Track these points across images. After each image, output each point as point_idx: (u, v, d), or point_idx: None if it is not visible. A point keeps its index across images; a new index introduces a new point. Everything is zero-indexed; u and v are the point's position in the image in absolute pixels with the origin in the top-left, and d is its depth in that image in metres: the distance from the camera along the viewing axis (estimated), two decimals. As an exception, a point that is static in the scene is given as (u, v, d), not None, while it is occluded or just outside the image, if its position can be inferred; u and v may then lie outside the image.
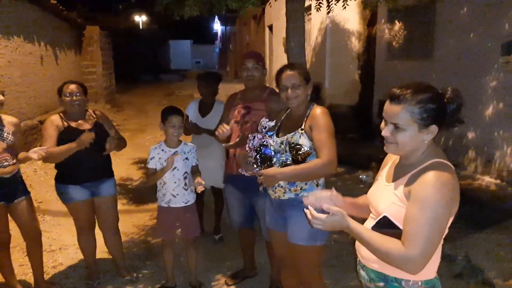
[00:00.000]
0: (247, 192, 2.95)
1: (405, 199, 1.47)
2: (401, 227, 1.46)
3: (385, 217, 1.52)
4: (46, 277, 3.33)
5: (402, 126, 1.46)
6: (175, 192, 2.98)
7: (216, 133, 2.70)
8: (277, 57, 11.81)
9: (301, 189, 2.31)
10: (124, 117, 12.30)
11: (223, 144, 2.80)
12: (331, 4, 5.30)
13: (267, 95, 2.93)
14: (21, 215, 2.98)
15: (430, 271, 1.52)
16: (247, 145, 2.41)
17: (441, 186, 1.38)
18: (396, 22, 7.01)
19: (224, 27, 26.12)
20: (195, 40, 38.31)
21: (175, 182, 2.96)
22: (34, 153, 2.75)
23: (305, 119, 2.29)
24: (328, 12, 5.42)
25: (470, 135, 5.45)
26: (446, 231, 1.49)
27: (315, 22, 9.04)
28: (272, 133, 2.38)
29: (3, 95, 2.85)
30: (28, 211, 3.01)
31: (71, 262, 3.64)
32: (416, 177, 1.45)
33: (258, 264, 3.45)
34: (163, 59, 31.78)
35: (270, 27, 13.15)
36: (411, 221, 1.40)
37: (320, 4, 5.58)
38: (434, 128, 1.47)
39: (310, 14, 9.05)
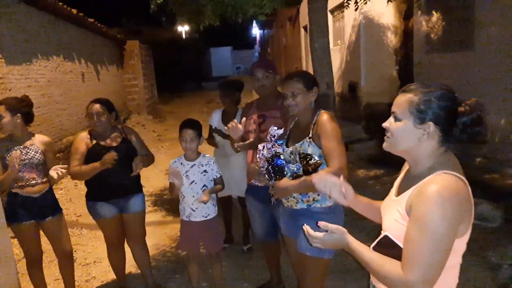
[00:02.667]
0: (267, 204, 2.85)
1: (407, 216, 1.31)
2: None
3: (386, 237, 1.38)
4: (78, 291, 3.41)
5: (399, 116, 1.36)
6: (194, 206, 2.94)
7: (226, 128, 2.67)
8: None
9: (313, 200, 2.24)
10: (165, 127, 12.59)
11: (235, 144, 2.73)
12: (360, 0, 5.10)
13: (281, 102, 2.82)
14: (52, 233, 3.06)
15: None
16: (257, 155, 2.34)
17: (443, 203, 1.20)
18: (434, 12, 6.62)
19: (262, 31, 26.20)
20: (235, 46, 38.81)
21: (193, 196, 2.92)
22: (54, 171, 2.81)
23: (312, 126, 2.22)
24: (356, 9, 5.21)
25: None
26: (465, 247, 1.33)
27: (348, 19, 8.78)
28: (281, 141, 2.30)
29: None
30: (59, 229, 3.07)
31: (103, 276, 3.71)
32: (418, 191, 1.29)
33: (286, 276, 3.34)
34: (204, 67, 32.40)
35: (306, 28, 12.97)
36: (410, 242, 1.26)
37: (348, 2, 5.40)
38: (431, 128, 1.32)
39: (343, 12, 8.81)
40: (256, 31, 30.33)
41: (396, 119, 1.37)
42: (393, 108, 1.39)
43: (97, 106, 3.03)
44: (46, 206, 3.02)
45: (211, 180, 2.98)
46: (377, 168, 6.24)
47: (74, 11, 7.87)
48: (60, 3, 7.12)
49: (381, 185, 5.47)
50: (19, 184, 2.89)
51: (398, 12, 7.98)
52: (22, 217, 2.92)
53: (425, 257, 1.21)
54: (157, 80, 16.28)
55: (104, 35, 10.75)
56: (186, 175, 2.91)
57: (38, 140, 3.02)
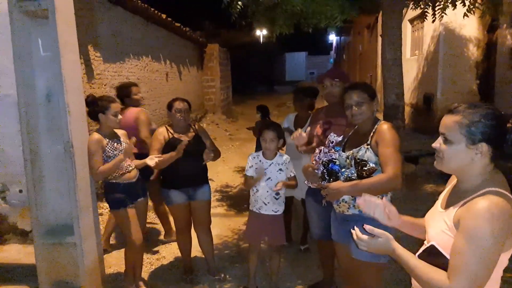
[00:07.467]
0: (325, 205, 3.02)
1: (455, 229, 1.38)
2: (448, 257, 1.38)
3: (432, 246, 1.46)
4: (149, 266, 3.85)
5: (449, 138, 1.42)
6: (267, 200, 3.17)
7: (291, 137, 2.88)
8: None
9: (365, 205, 2.32)
10: (236, 127, 13.11)
11: (299, 149, 2.94)
12: (437, 12, 5.04)
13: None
14: (137, 214, 3.31)
15: None
16: (313, 158, 2.51)
17: (492, 219, 1.27)
18: (521, 26, 6.28)
19: (338, 37, 25.99)
20: (310, 51, 38.85)
21: (267, 191, 3.15)
22: (151, 160, 3.17)
23: (372, 134, 2.32)
24: (433, 21, 5.16)
25: None
26: (507, 262, 1.40)
27: (428, 30, 8.55)
28: (338, 148, 2.44)
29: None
30: (143, 211, 3.45)
31: (172, 257, 4.12)
32: (468, 206, 1.36)
33: (338, 276, 3.46)
34: (278, 71, 32.93)
35: (383, 36, 12.77)
36: (457, 253, 1.32)
37: (426, 14, 5.36)
38: (484, 148, 1.38)
39: (423, 22, 8.60)
40: (332, 37, 30.16)
41: (447, 141, 1.43)
42: (442, 130, 1.45)
43: (183, 104, 3.43)
44: (140, 189, 3.37)
45: (285, 179, 3.18)
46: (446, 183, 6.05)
47: (164, 16, 8.57)
48: (152, 9, 7.82)
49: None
50: (120, 173, 3.17)
51: (481, 24, 7.63)
52: (127, 202, 3.18)
53: (472, 269, 1.27)
54: (232, 81, 16.93)
55: (188, 38, 11.49)
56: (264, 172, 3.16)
57: (121, 133, 3.36)
